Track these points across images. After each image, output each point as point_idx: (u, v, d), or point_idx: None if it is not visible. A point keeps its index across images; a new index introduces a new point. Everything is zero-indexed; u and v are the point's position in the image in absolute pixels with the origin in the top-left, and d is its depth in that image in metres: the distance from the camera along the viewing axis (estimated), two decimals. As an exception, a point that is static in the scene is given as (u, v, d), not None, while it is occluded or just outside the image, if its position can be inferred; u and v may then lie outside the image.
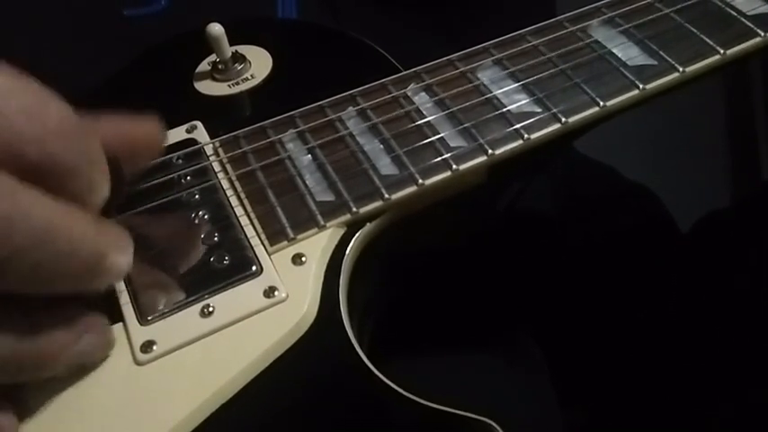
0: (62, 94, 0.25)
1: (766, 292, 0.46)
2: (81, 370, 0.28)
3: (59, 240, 0.23)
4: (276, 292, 0.31)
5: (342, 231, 0.33)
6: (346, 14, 0.51)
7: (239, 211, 0.34)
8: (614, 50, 0.38)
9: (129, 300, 0.31)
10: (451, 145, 0.35)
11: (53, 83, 0.25)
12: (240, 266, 0.32)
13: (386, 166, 0.35)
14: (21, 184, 0.22)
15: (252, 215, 0.33)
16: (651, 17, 0.40)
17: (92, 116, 0.27)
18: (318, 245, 0.32)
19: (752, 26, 0.38)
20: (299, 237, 0.32)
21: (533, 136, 0.35)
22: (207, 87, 0.42)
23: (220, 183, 0.35)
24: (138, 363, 0.29)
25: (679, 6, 0.40)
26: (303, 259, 0.32)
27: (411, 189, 0.34)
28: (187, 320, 0.30)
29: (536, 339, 0.49)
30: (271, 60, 0.43)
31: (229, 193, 0.35)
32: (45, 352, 0.25)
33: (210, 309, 0.30)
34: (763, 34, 0.38)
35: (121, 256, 0.26)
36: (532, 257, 0.50)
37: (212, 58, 0.42)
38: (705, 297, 0.47)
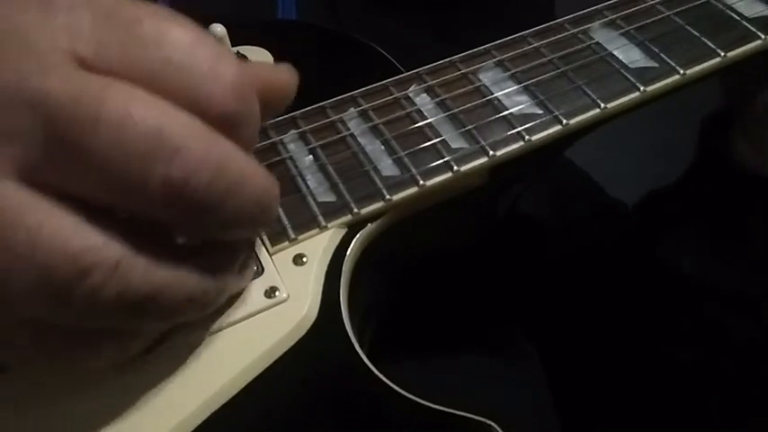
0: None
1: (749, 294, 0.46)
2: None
3: (253, 185, 0.24)
4: (277, 293, 0.31)
5: (343, 232, 0.33)
6: (346, 16, 0.51)
7: (240, 211, 0.34)
8: (615, 53, 0.38)
9: None
10: (453, 146, 0.35)
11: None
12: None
13: (387, 167, 0.35)
14: (214, 131, 0.24)
15: (253, 215, 0.33)
16: (652, 19, 0.40)
17: (244, 64, 0.27)
18: (319, 245, 0.32)
19: (752, 29, 0.39)
20: (300, 237, 0.33)
21: (534, 138, 0.35)
22: (208, 88, 0.42)
23: (222, 183, 0.35)
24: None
25: (680, 9, 0.40)
26: (304, 260, 0.32)
27: (412, 190, 0.34)
28: (188, 320, 0.30)
29: (533, 341, 0.50)
30: (272, 61, 0.43)
31: (231, 193, 0.35)
32: (226, 288, 0.27)
33: (211, 309, 0.30)
34: (763, 37, 0.38)
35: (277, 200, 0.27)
36: (532, 260, 0.50)
37: (214, 58, 0.42)
38: (694, 300, 0.47)
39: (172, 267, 0.24)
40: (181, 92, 0.23)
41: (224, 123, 0.24)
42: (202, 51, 0.24)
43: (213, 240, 0.26)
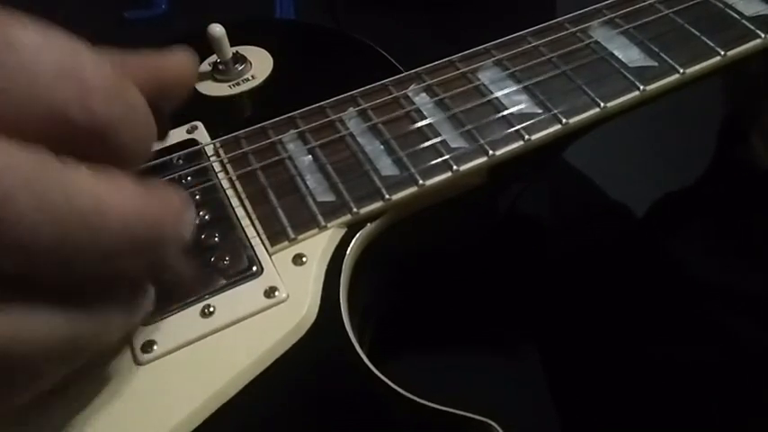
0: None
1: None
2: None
3: (111, 222, 0.21)
4: (277, 293, 0.31)
5: (342, 232, 0.33)
6: (345, 15, 0.51)
7: (240, 211, 0.34)
8: (615, 52, 0.38)
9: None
10: (452, 146, 0.35)
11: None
12: (241, 267, 0.32)
13: (386, 167, 0.35)
14: (61, 162, 0.20)
15: (252, 215, 0.33)
16: (651, 18, 0.40)
17: (118, 57, 0.25)
18: (319, 245, 0.32)
19: (752, 28, 0.39)
20: (300, 237, 0.33)
21: (534, 137, 0.35)
22: (208, 88, 0.42)
23: (221, 183, 0.35)
24: (138, 362, 0.29)
25: (679, 8, 0.40)
26: (304, 259, 0.32)
27: (411, 190, 0.34)
28: (188, 320, 0.30)
29: (533, 341, 0.49)
30: (271, 61, 0.43)
31: (230, 193, 0.35)
32: (108, 328, 0.23)
33: (211, 309, 0.30)
34: (763, 36, 0.38)
35: (181, 216, 0.23)
36: (531, 260, 0.50)
37: (213, 58, 0.42)
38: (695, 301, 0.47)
39: (26, 312, 0.20)
40: (27, 104, 0.20)
41: (90, 133, 0.21)
42: (51, 51, 0.20)
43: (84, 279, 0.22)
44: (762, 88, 0.44)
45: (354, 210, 0.33)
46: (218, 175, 0.35)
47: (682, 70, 0.37)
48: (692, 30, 0.39)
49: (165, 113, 0.26)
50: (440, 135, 0.35)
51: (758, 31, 0.38)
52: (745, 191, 0.47)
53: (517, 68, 0.38)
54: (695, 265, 0.47)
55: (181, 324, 0.30)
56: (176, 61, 0.26)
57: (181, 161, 0.36)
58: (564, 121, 0.35)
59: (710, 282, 0.46)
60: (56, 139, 0.20)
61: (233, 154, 0.36)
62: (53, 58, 0.20)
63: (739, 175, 0.47)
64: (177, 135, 0.38)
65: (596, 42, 0.39)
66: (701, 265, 0.47)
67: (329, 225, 0.33)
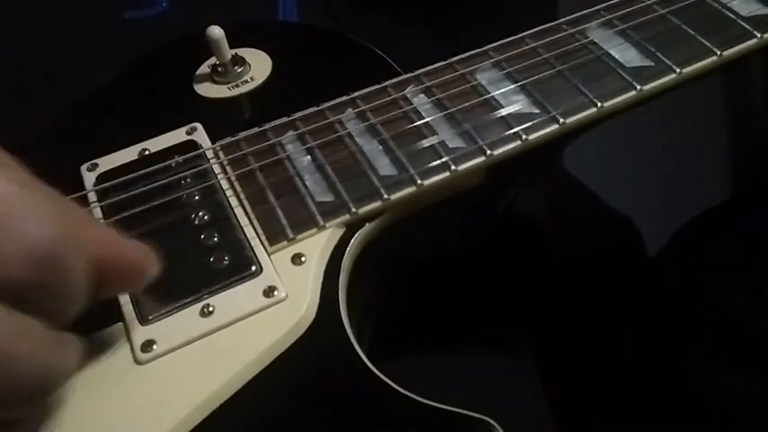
0: (63, 97, 0.24)
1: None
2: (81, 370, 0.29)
3: (22, 367, 0.22)
4: (276, 292, 0.31)
5: (341, 231, 0.33)
6: (346, 18, 0.51)
7: (239, 211, 0.34)
8: (612, 52, 0.39)
9: (129, 299, 0.31)
10: (450, 146, 0.35)
11: (54, 85, 0.25)
12: (240, 266, 0.32)
13: (385, 167, 0.35)
14: None
15: (251, 216, 0.34)
16: (648, 19, 0.40)
17: (84, 220, 0.26)
18: (318, 245, 0.33)
19: (748, 28, 0.39)
20: (299, 237, 0.33)
21: (531, 137, 0.35)
22: (207, 90, 0.42)
23: (220, 184, 0.35)
24: (138, 362, 0.29)
25: (676, 8, 0.40)
26: (303, 259, 0.32)
27: (410, 190, 0.34)
28: (187, 320, 0.30)
29: (532, 341, 0.49)
30: (270, 63, 0.43)
31: (229, 193, 0.35)
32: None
33: (210, 308, 0.31)
34: (759, 36, 0.38)
35: (68, 371, 0.25)
36: (529, 260, 0.50)
37: (212, 60, 0.42)
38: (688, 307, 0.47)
39: None
40: None
41: (10, 290, 0.22)
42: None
43: None
44: None
45: (353, 210, 0.33)
46: (218, 175, 0.36)
47: (678, 70, 0.37)
48: (689, 30, 0.39)
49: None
50: (438, 135, 0.36)
51: (754, 31, 0.38)
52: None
53: (515, 69, 0.38)
54: (718, 280, 0.47)
55: (180, 324, 0.30)
56: (130, 256, 0.27)
57: (180, 162, 0.36)
58: (561, 121, 0.35)
59: (706, 284, 0.46)
60: None
61: (232, 155, 0.36)
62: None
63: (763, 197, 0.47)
64: (176, 137, 0.38)
65: (593, 43, 0.39)
66: (725, 280, 0.47)
67: (328, 225, 0.33)
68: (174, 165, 0.36)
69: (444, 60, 0.39)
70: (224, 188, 0.35)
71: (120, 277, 0.26)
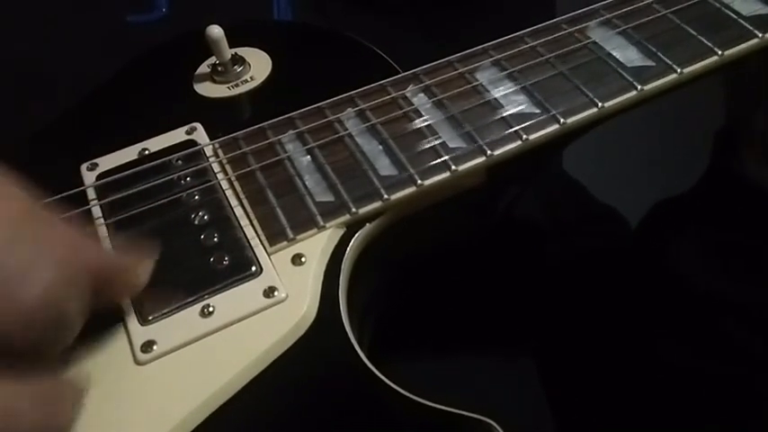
0: (63, 100, 0.24)
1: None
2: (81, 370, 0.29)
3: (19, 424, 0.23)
4: (276, 293, 0.31)
5: (341, 232, 0.33)
6: (339, 18, 0.51)
7: (239, 211, 0.34)
8: (612, 52, 0.39)
9: (129, 300, 0.31)
10: (450, 146, 0.35)
11: (55, 88, 0.25)
12: (240, 267, 0.32)
13: (385, 167, 0.35)
14: None
15: (251, 216, 0.34)
16: (649, 18, 0.40)
17: (77, 245, 0.26)
18: (318, 245, 0.33)
19: (749, 27, 0.39)
20: (299, 237, 0.33)
21: (532, 137, 0.35)
22: (206, 89, 0.42)
23: (220, 183, 0.35)
24: (138, 362, 0.29)
25: (677, 8, 0.40)
26: (303, 259, 0.32)
27: (410, 190, 0.34)
28: (187, 320, 0.30)
29: (532, 341, 0.50)
30: (270, 62, 0.43)
31: (229, 193, 0.35)
32: None
33: (210, 309, 0.30)
34: (760, 35, 0.38)
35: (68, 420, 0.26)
36: (529, 261, 0.50)
37: (212, 60, 0.42)
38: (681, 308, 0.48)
39: None
40: None
41: (7, 353, 0.23)
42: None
43: None
44: (755, 98, 0.44)
45: (353, 210, 0.33)
46: (218, 175, 0.36)
47: (679, 70, 0.37)
48: (690, 29, 0.39)
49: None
50: (438, 135, 0.35)
51: (755, 31, 0.38)
52: (737, 204, 0.47)
53: (515, 69, 0.38)
54: (689, 269, 0.47)
55: (180, 324, 0.30)
56: (130, 269, 0.28)
57: (180, 162, 0.36)
58: (562, 121, 0.35)
59: (705, 286, 0.46)
60: None
61: (232, 154, 0.36)
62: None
63: (732, 188, 0.47)
64: (176, 136, 0.38)
65: (594, 43, 0.39)
66: (695, 270, 0.47)
67: (328, 225, 0.33)
68: (173, 164, 0.36)
69: (443, 59, 0.39)
70: (224, 188, 0.35)
71: (116, 291, 0.28)
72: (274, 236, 0.33)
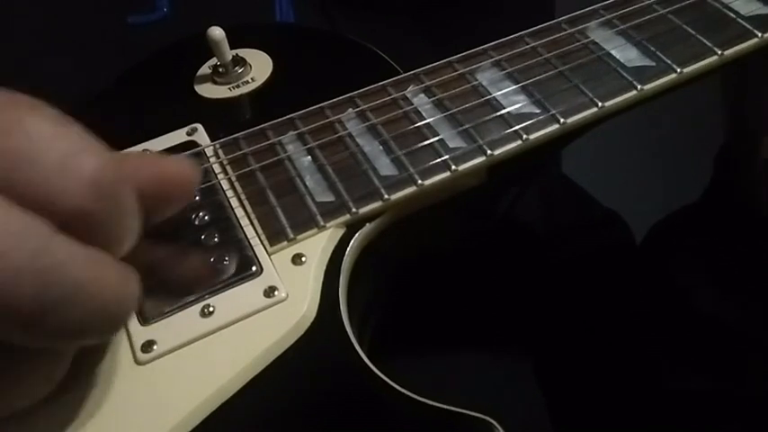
0: (64, 100, 0.24)
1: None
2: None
3: (92, 296, 0.22)
4: (276, 292, 0.31)
5: (341, 232, 0.33)
6: (341, 20, 0.51)
7: (239, 211, 0.34)
8: (612, 52, 0.39)
9: None
10: (450, 146, 0.35)
11: (55, 89, 0.25)
12: (240, 267, 0.32)
13: (385, 167, 0.35)
14: (56, 234, 0.22)
15: (252, 216, 0.34)
16: (648, 18, 0.40)
17: (120, 155, 0.26)
18: (318, 245, 0.33)
19: (749, 27, 0.39)
20: (299, 237, 0.33)
21: (532, 136, 0.35)
22: (207, 90, 0.42)
23: (220, 184, 0.35)
24: (138, 362, 0.29)
25: (676, 7, 0.40)
26: (303, 259, 0.32)
27: (410, 189, 0.34)
28: (187, 320, 0.30)
29: (532, 341, 0.50)
30: (271, 63, 0.43)
31: (229, 194, 0.35)
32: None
33: (211, 309, 0.31)
34: (760, 35, 0.38)
35: (134, 304, 0.25)
36: (529, 261, 0.51)
37: (213, 61, 0.42)
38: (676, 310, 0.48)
39: None
40: (28, 187, 0.22)
41: (77, 222, 0.22)
42: (58, 144, 0.22)
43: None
44: (756, 115, 0.44)
45: (353, 210, 0.33)
46: (218, 176, 0.36)
47: (679, 69, 0.37)
48: (690, 29, 0.39)
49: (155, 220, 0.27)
50: (438, 135, 0.35)
51: (755, 31, 0.38)
52: (735, 222, 0.47)
53: (515, 69, 0.38)
54: (689, 281, 0.47)
55: (180, 324, 0.30)
56: (174, 170, 0.27)
57: (180, 162, 0.36)
58: (562, 120, 0.35)
59: (704, 299, 0.47)
60: (49, 218, 0.22)
61: (232, 155, 0.36)
62: (59, 151, 0.22)
63: (732, 210, 0.47)
64: (177, 137, 0.38)
65: (594, 42, 0.39)
66: (695, 282, 0.47)
67: (328, 225, 0.33)
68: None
69: (443, 60, 0.39)
70: (224, 188, 0.35)
71: (167, 195, 0.27)
72: (274, 236, 0.33)
